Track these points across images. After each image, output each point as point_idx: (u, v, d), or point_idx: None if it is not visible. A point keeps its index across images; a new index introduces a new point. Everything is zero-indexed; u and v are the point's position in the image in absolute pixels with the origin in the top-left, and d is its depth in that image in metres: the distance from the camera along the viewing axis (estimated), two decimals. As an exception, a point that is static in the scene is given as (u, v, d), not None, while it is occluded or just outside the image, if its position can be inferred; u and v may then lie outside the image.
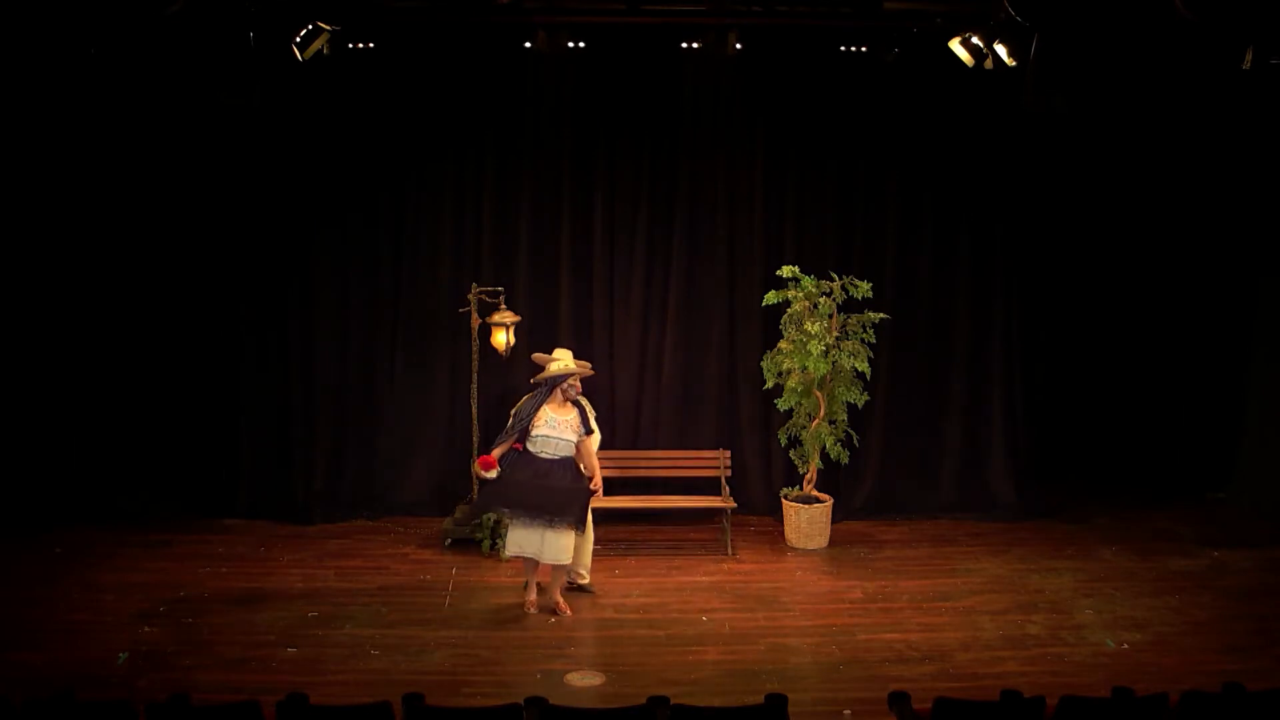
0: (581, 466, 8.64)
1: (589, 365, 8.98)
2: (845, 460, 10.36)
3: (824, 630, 8.40)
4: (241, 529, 10.34)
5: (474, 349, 10.09)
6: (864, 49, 10.28)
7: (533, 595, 8.64)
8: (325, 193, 10.49)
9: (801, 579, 9.52)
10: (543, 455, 8.46)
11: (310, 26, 9.06)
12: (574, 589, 8.91)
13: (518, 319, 10.02)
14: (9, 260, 10.40)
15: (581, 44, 10.08)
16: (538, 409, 8.51)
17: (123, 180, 10.42)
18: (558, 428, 8.46)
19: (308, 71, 9.41)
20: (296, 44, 8.90)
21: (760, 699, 5.67)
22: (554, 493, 8.39)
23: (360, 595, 8.93)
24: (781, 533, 10.32)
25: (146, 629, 8.23)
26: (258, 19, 8.48)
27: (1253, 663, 7.73)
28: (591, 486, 8.62)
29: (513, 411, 8.80)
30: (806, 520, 10.15)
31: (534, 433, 8.46)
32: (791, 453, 10.29)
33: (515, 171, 10.63)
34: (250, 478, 10.71)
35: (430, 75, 10.41)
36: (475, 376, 10.13)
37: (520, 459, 8.50)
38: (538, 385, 8.69)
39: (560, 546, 8.42)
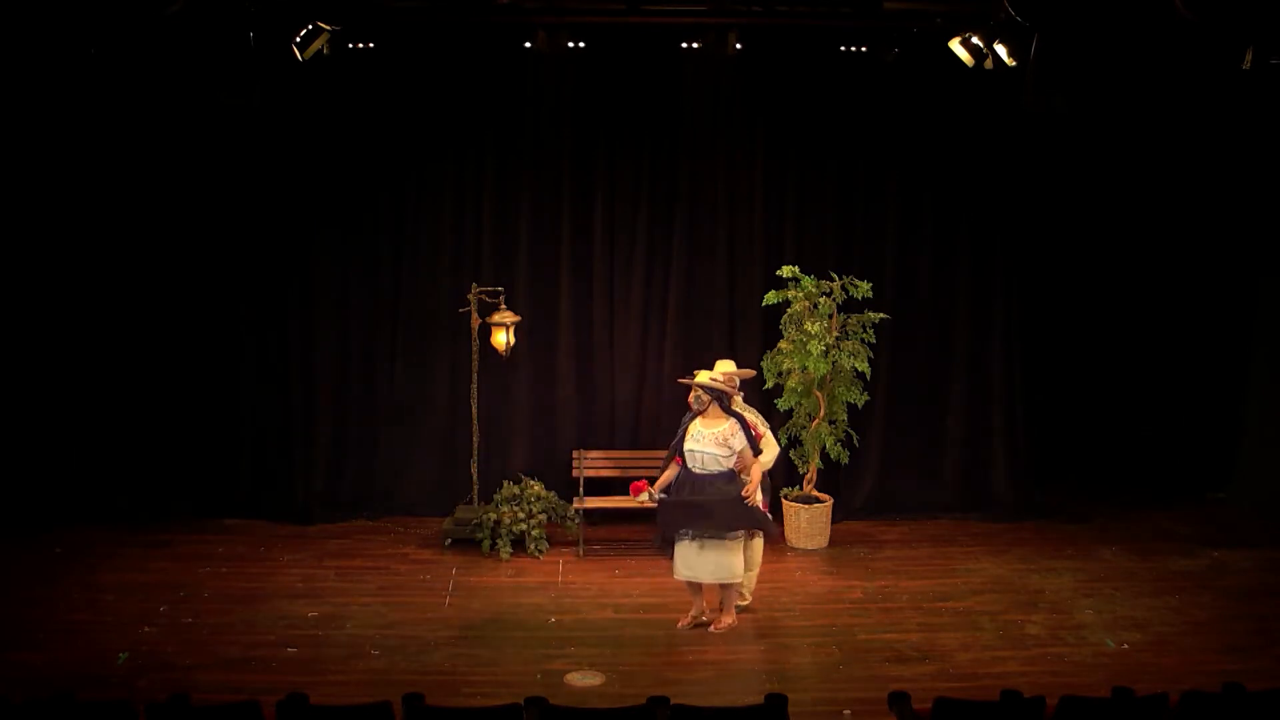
0: (742, 476, 8.29)
1: (717, 376, 8.49)
2: (845, 460, 10.36)
3: (824, 630, 8.41)
4: (241, 529, 10.34)
5: (474, 349, 10.09)
6: (864, 49, 10.28)
7: (692, 613, 8.45)
8: (325, 193, 10.49)
9: (801, 579, 9.51)
10: (695, 470, 8.21)
11: (310, 26, 9.05)
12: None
13: (518, 319, 10.02)
14: (9, 261, 10.40)
15: (581, 44, 10.07)
16: (688, 424, 8.33)
17: (123, 181, 10.40)
18: (703, 440, 8.18)
19: (308, 71, 9.41)
20: (296, 44, 8.90)
21: (760, 699, 5.67)
22: (709, 506, 8.11)
23: (360, 595, 8.94)
24: (781, 533, 10.31)
25: (146, 629, 8.23)
26: (258, 19, 8.47)
27: (1253, 663, 7.73)
28: (744, 494, 8.18)
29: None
30: (806, 520, 10.15)
31: (685, 447, 8.28)
32: (791, 453, 10.29)
33: (515, 171, 10.62)
34: (250, 478, 10.72)
35: (430, 75, 10.40)
36: (475, 376, 10.13)
37: (678, 478, 8.31)
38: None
39: (728, 565, 8.19)
